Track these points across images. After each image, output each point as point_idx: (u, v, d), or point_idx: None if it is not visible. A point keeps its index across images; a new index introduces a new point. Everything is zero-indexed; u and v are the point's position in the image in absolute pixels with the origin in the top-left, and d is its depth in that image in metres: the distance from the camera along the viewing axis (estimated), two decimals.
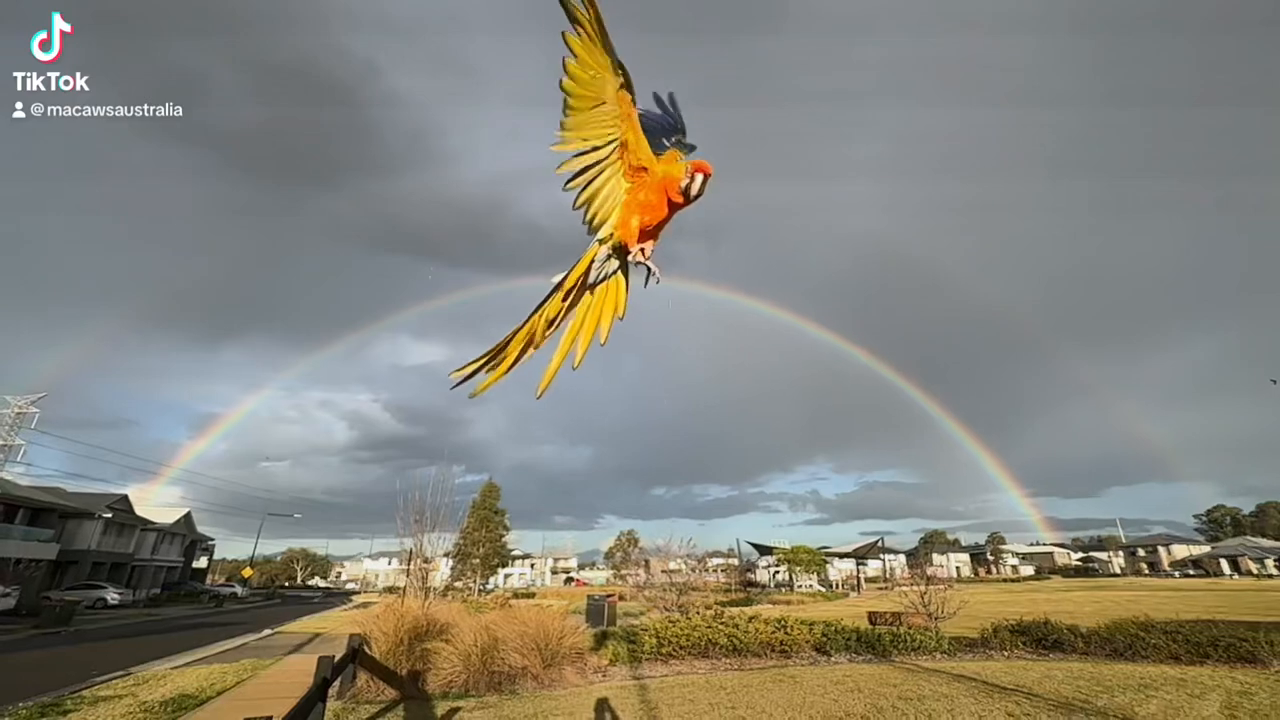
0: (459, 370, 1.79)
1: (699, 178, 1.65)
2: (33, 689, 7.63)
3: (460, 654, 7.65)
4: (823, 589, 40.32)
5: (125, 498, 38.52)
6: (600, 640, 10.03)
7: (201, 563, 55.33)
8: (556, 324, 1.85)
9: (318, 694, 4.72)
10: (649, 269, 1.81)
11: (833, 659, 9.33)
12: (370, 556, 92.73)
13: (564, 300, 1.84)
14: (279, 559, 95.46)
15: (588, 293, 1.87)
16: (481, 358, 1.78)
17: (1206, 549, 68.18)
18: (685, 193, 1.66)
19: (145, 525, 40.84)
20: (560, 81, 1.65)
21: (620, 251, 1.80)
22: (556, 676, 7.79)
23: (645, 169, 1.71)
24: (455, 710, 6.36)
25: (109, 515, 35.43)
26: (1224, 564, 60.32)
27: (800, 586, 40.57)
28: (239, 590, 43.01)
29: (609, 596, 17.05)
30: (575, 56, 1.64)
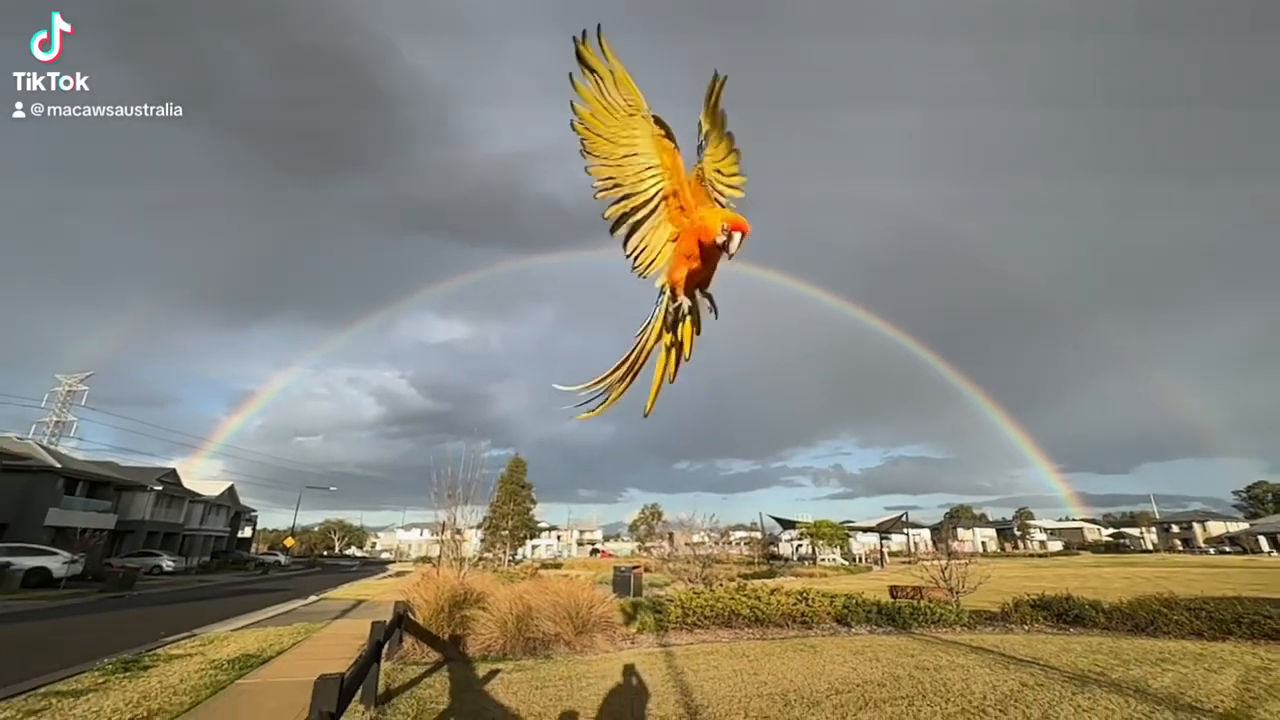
0: (582, 400, 1.99)
1: (736, 237, 1.60)
2: (111, 647, 8.38)
3: (497, 621, 8.14)
4: (845, 563, 40.66)
5: (173, 471, 40.56)
6: (628, 610, 10.49)
7: (246, 533, 58.24)
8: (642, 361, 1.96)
9: (373, 655, 5.17)
10: (711, 302, 1.88)
11: (853, 630, 9.62)
12: (403, 528, 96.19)
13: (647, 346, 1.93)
14: (317, 530, 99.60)
15: (669, 333, 1.92)
16: (596, 384, 1.95)
17: (1245, 526, 66.48)
18: (723, 248, 1.61)
19: (193, 497, 43.05)
20: (571, 123, 1.65)
21: (673, 298, 1.84)
22: (588, 643, 8.24)
23: (686, 213, 1.73)
24: (495, 671, 6.83)
25: (159, 488, 37.46)
26: (1263, 541, 58.84)
27: (823, 560, 40.98)
28: (282, 559, 45.21)
29: (635, 568, 17.59)
30: (587, 104, 1.63)
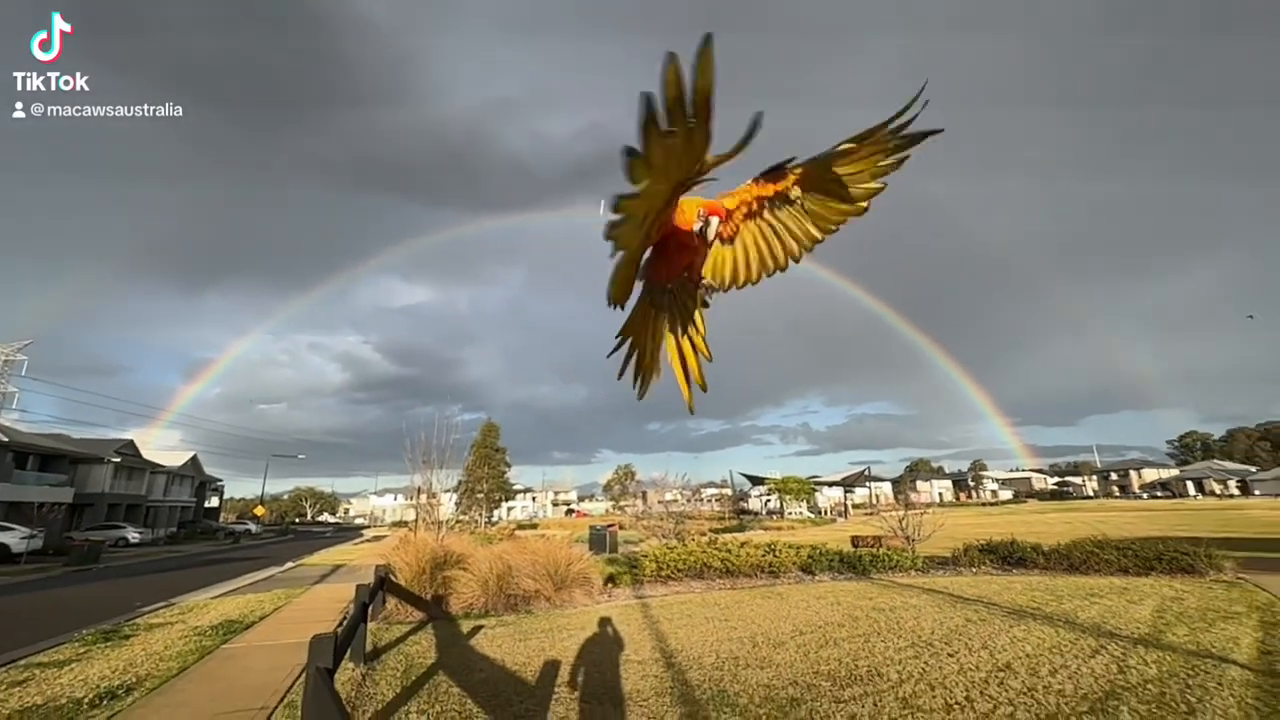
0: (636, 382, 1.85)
1: (714, 221, 1.50)
2: (85, 620, 8.36)
3: (478, 580, 8.39)
4: (812, 516, 42.47)
5: (131, 443, 39.31)
6: (605, 566, 10.90)
7: (213, 502, 57.30)
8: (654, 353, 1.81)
9: (360, 615, 5.34)
10: (701, 289, 1.77)
11: (817, 578, 10.24)
12: (376, 493, 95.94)
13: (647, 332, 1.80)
14: (287, 498, 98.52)
15: (667, 315, 1.79)
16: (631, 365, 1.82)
17: (1175, 472, 71.55)
18: (699, 235, 1.50)
19: (155, 468, 41.94)
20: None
21: (656, 290, 1.74)
22: (567, 598, 8.59)
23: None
24: (479, 627, 7.12)
25: (118, 460, 36.35)
26: (1190, 486, 63.55)
27: (790, 514, 42.69)
28: (253, 527, 44.79)
29: (610, 526, 18.10)
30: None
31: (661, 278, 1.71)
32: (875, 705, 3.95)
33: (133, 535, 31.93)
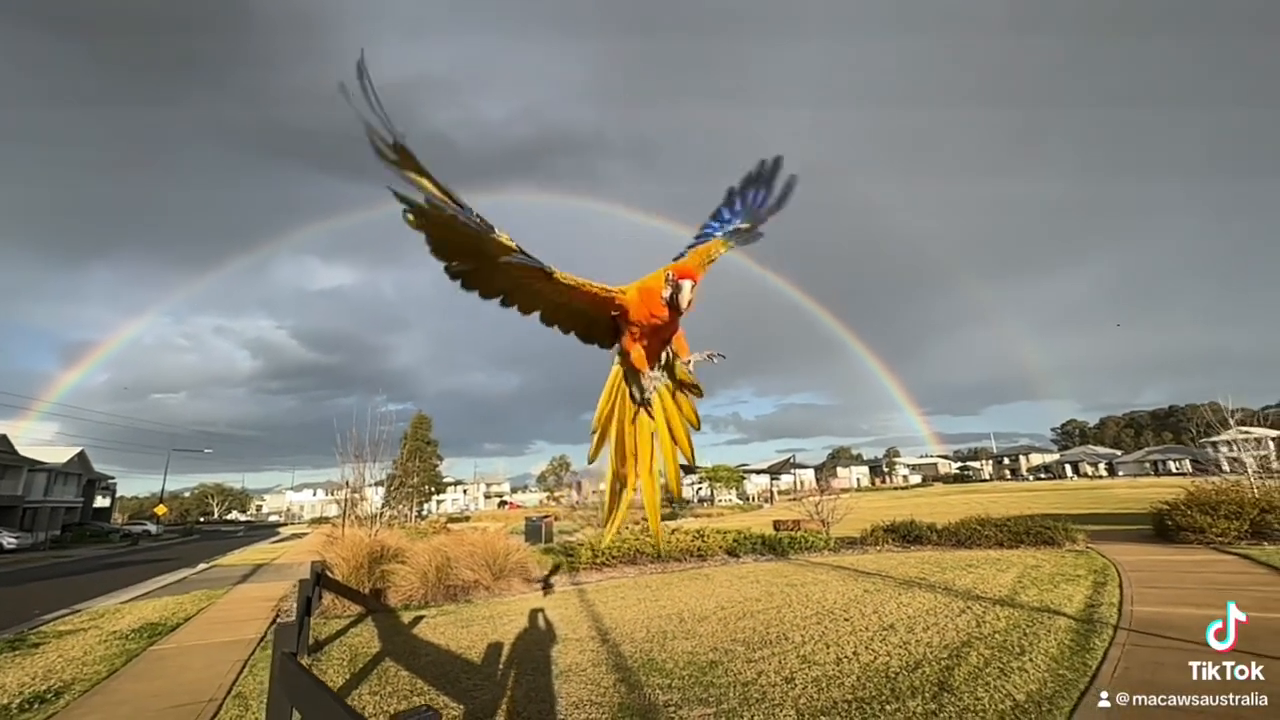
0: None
1: (685, 285, 1.38)
2: None
3: (417, 572, 8.56)
4: (740, 503, 44.48)
5: (4, 437, 35.29)
6: (542, 556, 11.27)
7: (103, 502, 52.32)
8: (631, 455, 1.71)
9: (304, 609, 5.49)
10: (688, 363, 1.67)
11: (741, 560, 11.10)
12: (293, 489, 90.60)
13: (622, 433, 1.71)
14: (189, 495, 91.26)
15: (646, 412, 1.68)
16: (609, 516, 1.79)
17: (1056, 456, 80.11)
18: (670, 304, 1.40)
19: (33, 465, 37.90)
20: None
21: (639, 377, 1.62)
22: (505, 587, 8.92)
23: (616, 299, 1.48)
24: (420, 617, 7.34)
25: None
26: (1068, 468, 71.43)
27: (720, 501, 44.49)
28: (152, 528, 41.36)
29: (545, 518, 18.38)
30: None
31: (640, 362, 1.58)
32: (780, 662, 4.63)
33: (8, 540, 28.88)
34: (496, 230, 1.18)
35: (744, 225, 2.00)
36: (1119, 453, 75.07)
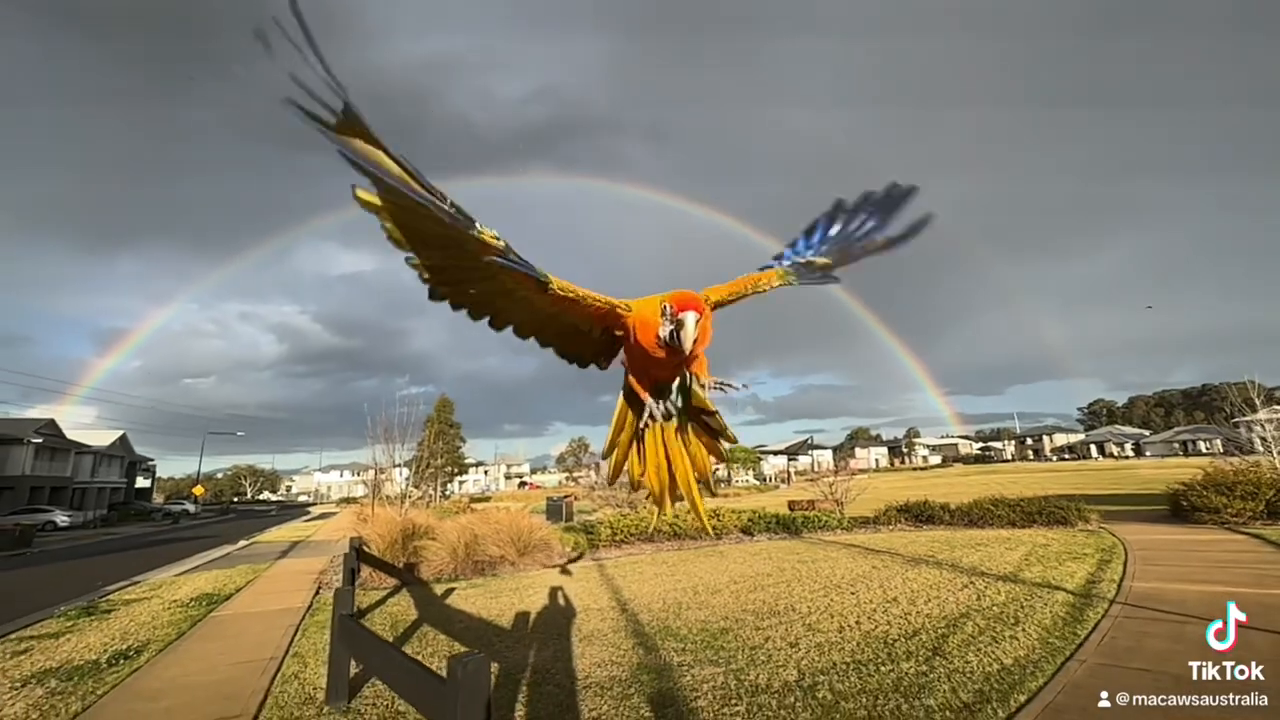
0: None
1: (689, 321, 1.15)
2: (48, 600, 8.47)
3: (447, 548, 9.09)
4: (757, 483, 44.90)
5: (52, 422, 37.11)
6: (563, 533, 11.78)
7: (144, 483, 54.74)
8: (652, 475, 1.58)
9: (349, 579, 5.99)
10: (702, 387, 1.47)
11: (755, 538, 11.47)
12: (321, 469, 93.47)
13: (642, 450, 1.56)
14: (223, 476, 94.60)
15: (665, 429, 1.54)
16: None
17: (1081, 436, 78.79)
18: (669, 345, 1.19)
19: (80, 449, 39.82)
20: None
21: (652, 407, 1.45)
22: (529, 562, 9.43)
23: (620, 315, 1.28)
24: (451, 589, 7.86)
25: (39, 440, 34.35)
26: (1093, 449, 70.29)
27: (738, 482, 44.95)
28: (191, 507, 43.29)
29: (566, 497, 18.98)
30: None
31: (640, 389, 1.43)
32: (786, 630, 4.99)
33: (62, 519, 30.52)
34: (479, 225, 0.98)
35: (819, 259, 1.70)
36: (1147, 433, 73.52)
